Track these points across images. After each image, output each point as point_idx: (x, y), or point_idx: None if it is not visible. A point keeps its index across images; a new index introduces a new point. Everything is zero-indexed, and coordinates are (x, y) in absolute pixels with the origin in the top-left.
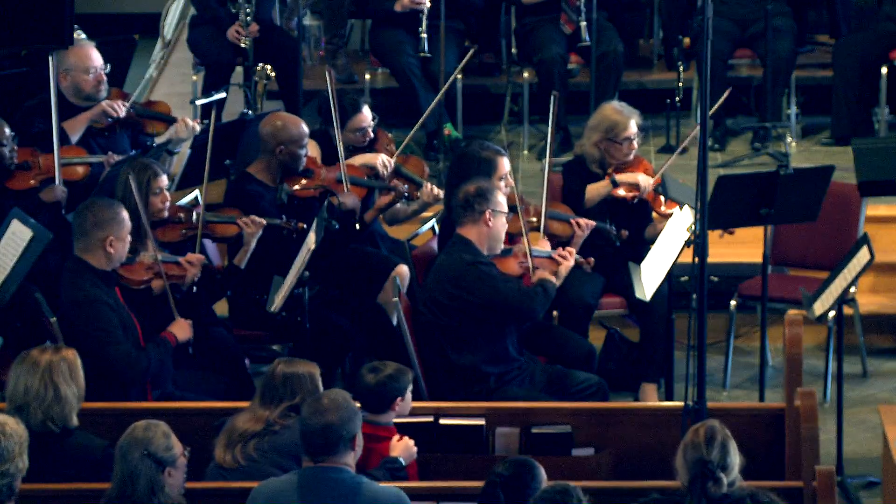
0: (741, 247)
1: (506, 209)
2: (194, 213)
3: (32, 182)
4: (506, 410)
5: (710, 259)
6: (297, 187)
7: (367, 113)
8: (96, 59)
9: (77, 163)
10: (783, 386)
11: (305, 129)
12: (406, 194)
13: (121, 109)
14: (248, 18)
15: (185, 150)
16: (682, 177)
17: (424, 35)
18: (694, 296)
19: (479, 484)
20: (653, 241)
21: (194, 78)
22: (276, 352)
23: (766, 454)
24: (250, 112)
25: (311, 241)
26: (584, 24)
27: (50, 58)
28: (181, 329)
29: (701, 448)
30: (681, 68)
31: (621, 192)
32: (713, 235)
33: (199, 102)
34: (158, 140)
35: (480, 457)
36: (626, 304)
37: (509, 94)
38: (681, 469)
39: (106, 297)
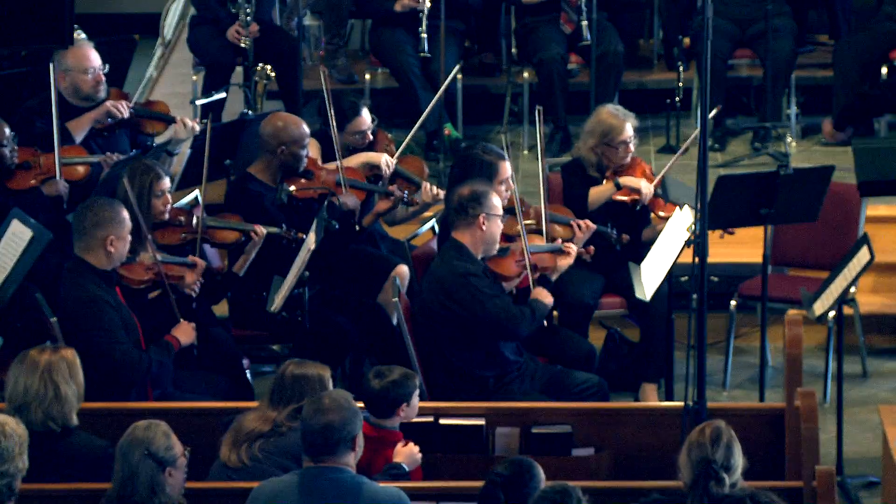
0: (741, 247)
1: (500, 212)
2: (194, 217)
3: (33, 182)
4: (506, 410)
5: (710, 259)
6: (297, 188)
7: (366, 116)
8: (95, 59)
9: (77, 162)
10: (783, 386)
11: (307, 129)
12: (405, 199)
13: (125, 110)
14: (248, 18)
15: (185, 150)
16: (682, 177)
17: (424, 35)
18: (694, 296)
19: (479, 484)
20: (650, 243)
21: (194, 78)
22: (275, 352)
23: (766, 454)
24: (250, 112)
25: (311, 241)
26: (584, 23)
27: (52, 64)
28: (184, 333)
29: (706, 447)
30: (681, 68)
31: (621, 196)
32: (713, 236)
33: (199, 102)
34: (158, 140)
35: (480, 457)
36: (626, 304)
37: (509, 94)
38: (684, 467)
39: (107, 297)
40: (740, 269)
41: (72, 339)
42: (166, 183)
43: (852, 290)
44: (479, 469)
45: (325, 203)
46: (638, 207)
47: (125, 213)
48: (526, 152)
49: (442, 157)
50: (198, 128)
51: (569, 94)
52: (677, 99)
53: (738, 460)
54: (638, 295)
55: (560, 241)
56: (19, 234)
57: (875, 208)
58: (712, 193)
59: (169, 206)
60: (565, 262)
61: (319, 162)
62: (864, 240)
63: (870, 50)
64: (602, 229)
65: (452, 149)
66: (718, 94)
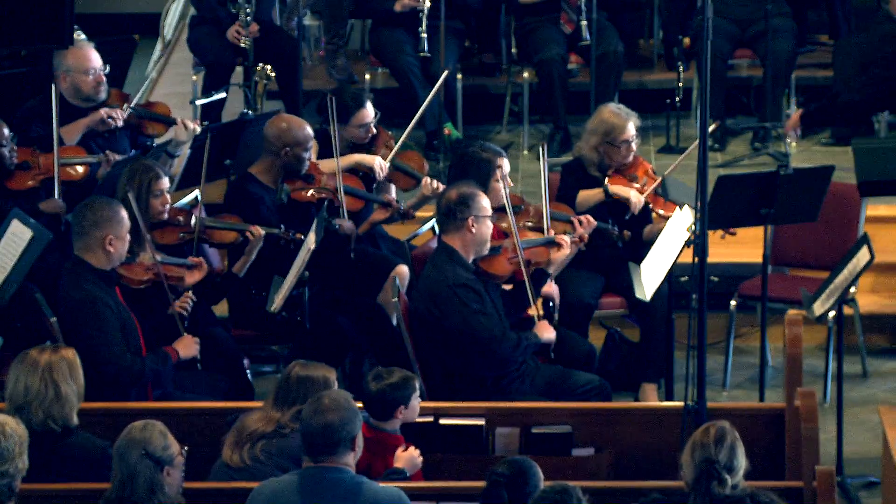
0: (741, 247)
1: (489, 213)
2: (193, 217)
3: (32, 182)
4: (506, 410)
5: (710, 259)
6: (297, 191)
7: (370, 109)
8: (95, 59)
9: (76, 163)
10: (783, 386)
11: (310, 131)
12: (401, 211)
13: (119, 118)
14: (248, 18)
15: (185, 151)
16: (682, 177)
17: (424, 35)
18: (694, 296)
19: (479, 484)
20: (651, 241)
21: (194, 78)
22: (275, 352)
23: (766, 454)
24: (250, 112)
25: (311, 241)
26: (584, 23)
27: (54, 73)
28: (185, 346)
29: (709, 448)
30: (681, 68)
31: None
32: (713, 236)
33: (199, 102)
34: (158, 141)
35: (480, 457)
36: (626, 304)
37: (509, 94)
38: (686, 466)
39: (106, 297)
40: (740, 269)
41: (71, 339)
42: (165, 182)
43: (852, 290)
44: (479, 469)
45: (325, 203)
46: (627, 217)
47: (124, 213)
48: (526, 152)
49: (442, 157)
50: (198, 129)
51: (569, 94)
52: (677, 99)
53: (741, 461)
54: (638, 295)
55: (552, 232)
56: (19, 234)
57: (875, 208)
58: (712, 193)
59: (168, 206)
60: (560, 254)
61: (316, 162)
62: (864, 240)
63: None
64: (603, 226)
65: (453, 149)
66: (718, 94)
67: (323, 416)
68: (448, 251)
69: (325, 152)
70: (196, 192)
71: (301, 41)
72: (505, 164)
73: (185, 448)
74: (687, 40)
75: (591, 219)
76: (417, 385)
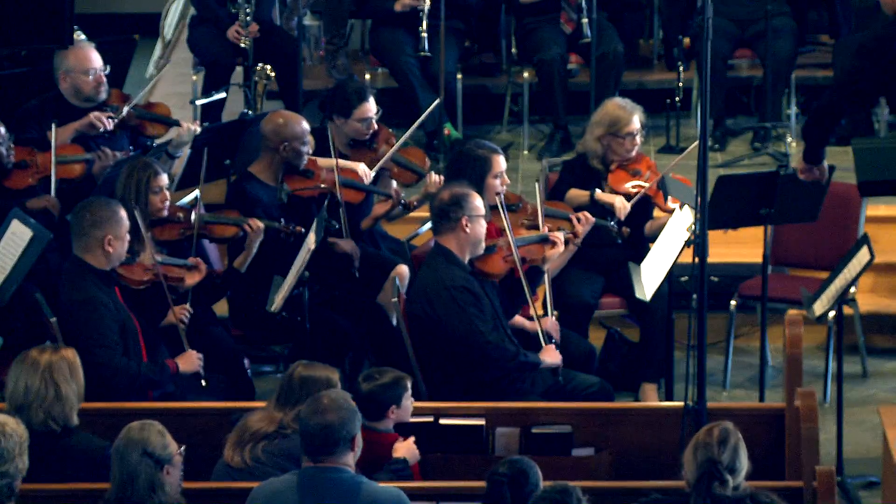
0: (741, 247)
1: (483, 212)
2: (193, 213)
3: (30, 181)
4: (506, 410)
5: (710, 259)
6: (296, 187)
7: (372, 104)
8: (95, 60)
9: (73, 160)
10: (783, 386)
11: (307, 126)
12: (403, 202)
13: (108, 123)
14: (248, 18)
15: (185, 151)
16: (681, 176)
17: (425, 34)
18: (694, 296)
19: (479, 484)
20: (652, 237)
21: (194, 78)
22: (276, 352)
23: (766, 454)
24: (250, 112)
25: (311, 241)
26: (584, 20)
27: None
28: (187, 361)
29: (713, 448)
30: (681, 68)
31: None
32: (714, 234)
33: (199, 102)
34: (158, 142)
35: (480, 457)
36: (626, 304)
37: (509, 94)
38: (688, 466)
39: (105, 298)
40: (740, 269)
41: (71, 339)
42: (164, 179)
43: (852, 290)
44: (479, 469)
45: (325, 203)
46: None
47: (123, 213)
48: (526, 152)
49: (442, 157)
50: (198, 129)
51: (569, 94)
52: (677, 99)
53: (744, 463)
54: (638, 295)
55: (546, 229)
56: (19, 234)
57: (875, 208)
58: (712, 193)
59: (167, 203)
60: (554, 251)
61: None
62: (864, 240)
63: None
64: (601, 223)
65: (452, 149)
66: (718, 94)
67: (322, 416)
68: (444, 252)
69: (321, 150)
70: (196, 192)
71: (301, 41)
72: (502, 161)
73: (183, 447)
74: (687, 40)
75: (590, 216)
76: (409, 384)
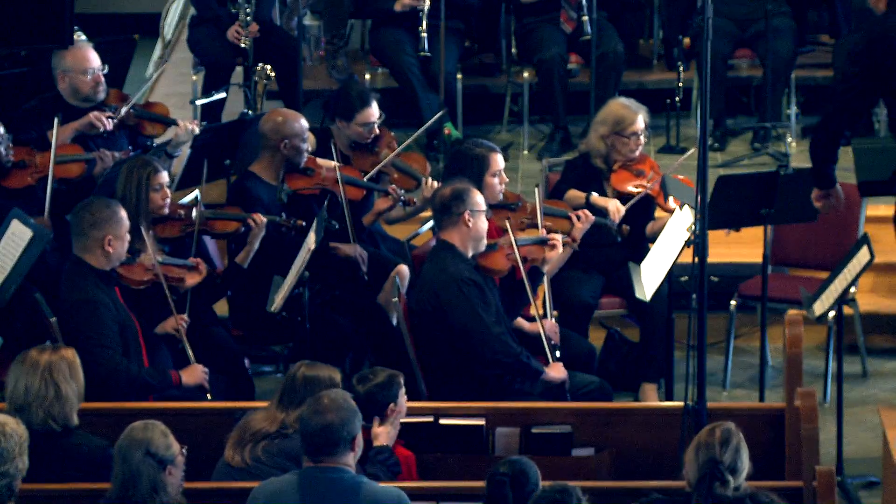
0: (741, 247)
1: (484, 208)
2: (194, 210)
3: (29, 180)
4: (506, 410)
5: (710, 259)
6: (297, 186)
7: (375, 108)
8: (94, 60)
9: (72, 160)
10: (783, 386)
11: (306, 123)
12: (403, 199)
13: (108, 123)
14: (248, 18)
15: (185, 151)
16: (681, 176)
17: (424, 34)
18: (694, 296)
19: (479, 484)
20: (654, 238)
21: (194, 78)
22: (276, 352)
23: (766, 454)
24: (250, 112)
25: (311, 241)
26: (585, 17)
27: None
28: (191, 375)
29: (714, 448)
30: (681, 68)
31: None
32: (714, 234)
33: (199, 102)
34: (158, 142)
35: (480, 457)
36: (626, 304)
37: (509, 94)
38: (689, 465)
39: (105, 299)
40: (740, 269)
41: (71, 339)
42: (164, 177)
43: (852, 290)
44: (479, 469)
45: (325, 202)
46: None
47: (123, 213)
48: (526, 152)
49: (442, 157)
50: (197, 129)
51: (569, 94)
52: (677, 99)
53: (745, 463)
54: (638, 295)
55: (544, 231)
56: (19, 234)
57: (875, 208)
58: (712, 193)
59: (168, 201)
60: (553, 254)
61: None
62: (864, 240)
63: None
64: (601, 221)
65: (452, 149)
66: (718, 94)
67: (322, 416)
68: (448, 247)
69: (322, 151)
70: (196, 192)
71: (301, 41)
72: (499, 160)
73: (185, 447)
74: (687, 40)
75: (590, 214)
76: (401, 381)
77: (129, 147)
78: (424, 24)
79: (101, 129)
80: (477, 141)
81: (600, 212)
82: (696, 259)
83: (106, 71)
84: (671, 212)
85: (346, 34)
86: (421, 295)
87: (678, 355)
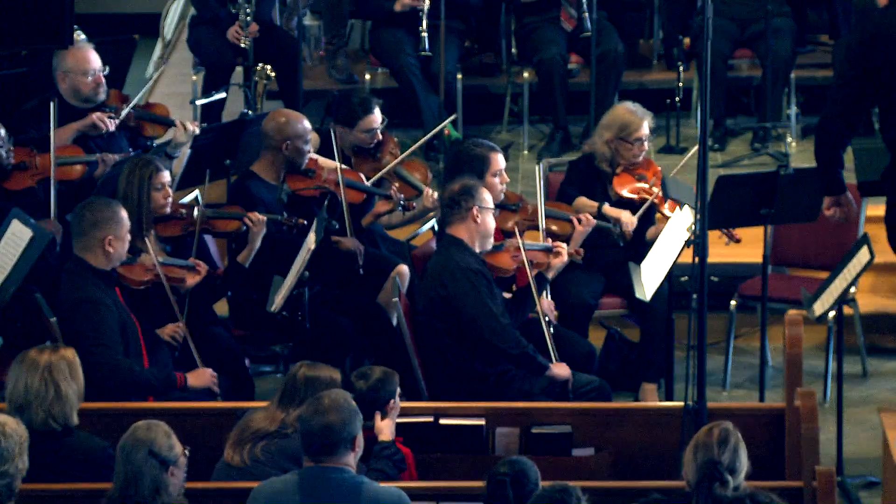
0: (741, 247)
1: (492, 205)
2: (195, 210)
3: (30, 182)
4: (506, 410)
5: (710, 259)
6: (297, 187)
7: (377, 115)
8: (94, 61)
9: (73, 162)
10: (783, 386)
11: (308, 124)
12: (403, 203)
13: (110, 124)
14: (248, 18)
15: (185, 151)
16: (682, 177)
17: (425, 34)
18: (694, 296)
19: (479, 484)
20: (653, 243)
21: (194, 78)
22: (276, 352)
23: (766, 454)
24: (250, 112)
25: (311, 241)
26: (585, 14)
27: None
28: (199, 378)
29: (713, 449)
30: (681, 68)
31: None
32: (715, 234)
33: (199, 102)
34: (157, 142)
35: (480, 457)
36: (626, 304)
37: (509, 94)
38: (688, 466)
39: (105, 299)
40: (740, 269)
41: (71, 339)
42: (166, 176)
43: (852, 290)
44: (479, 469)
45: (326, 201)
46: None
47: (123, 213)
48: (526, 152)
49: (442, 158)
50: (197, 130)
51: (569, 93)
52: (677, 99)
53: (744, 463)
54: (638, 295)
55: (549, 240)
56: (19, 234)
57: (875, 208)
58: (712, 193)
59: (170, 200)
60: (558, 262)
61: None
62: (864, 240)
63: None
64: (603, 225)
65: (452, 149)
66: (718, 94)
67: (323, 416)
68: (455, 242)
69: (324, 151)
70: (196, 192)
71: (301, 41)
72: (500, 159)
73: (188, 448)
74: (687, 40)
75: (591, 217)
76: (398, 379)
77: (129, 149)
78: (424, 23)
79: (104, 130)
80: (477, 141)
81: (607, 219)
82: (696, 259)
83: (107, 72)
84: (668, 218)
85: (346, 34)
86: (428, 286)
87: (678, 355)
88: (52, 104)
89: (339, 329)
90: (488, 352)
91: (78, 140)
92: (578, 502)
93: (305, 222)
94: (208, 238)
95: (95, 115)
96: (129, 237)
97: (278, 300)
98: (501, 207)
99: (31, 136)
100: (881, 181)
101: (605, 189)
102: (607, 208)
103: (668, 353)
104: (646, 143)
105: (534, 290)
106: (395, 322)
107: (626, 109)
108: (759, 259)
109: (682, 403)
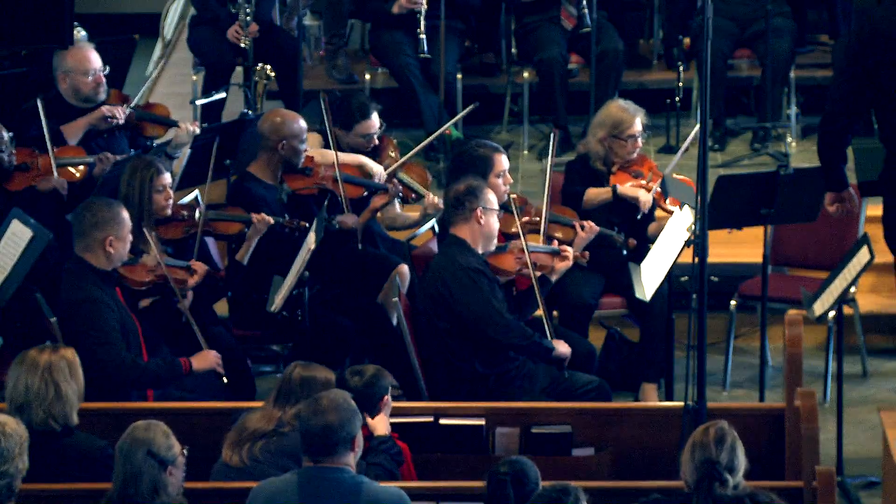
0: (741, 247)
1: (496, 206)
2: (197, 211)
3: (31, 183)
4: (506, 410)
5: (710, 259)
6: (296, 186)
7: (375, 120)
8: (95, 60)
9: (74, 163)
10: (783, 386)
11: (304, 123)
12: (400, 195)
13: (120, 115)
14: (248, 18)
15: (184, 152)
16: (679, 175)
17: (423, 36)
18: (694, 296)
19: (479, 484)
20: (655, 239)
21: (194, 78)
22: (276, 352)
23: (766, 454)
24: (250, 112)
25: (311, 241)
26: (584, 10)
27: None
28: (203, 359)
29: (710, 448)
30: (681, 68)
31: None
32: (715, 234)
33: (199, 102)
34: (157, 142)
35: (480, 457)
36: (626, 304)
37: (509, 95)
38: (686, 467)
39: (106, 298)
40: (740, 269)
41: (71, 339)
42: (167, 178)
43: (852, 290)
44: (479, 469)
45: (326, 202)
46: (638, 217)
47: (125, 214)
48: (526, 152)
49: (442, 158)
50: (198, 130)
51: (569, 93)
52: (677, 99)
53: (741, 461)
54: (638, 295)
55: (556, 243)
56: (19, 234)
57: (875, 208)
58: (712, 193)
59: (171, 202)
60: (563, 265)
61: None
62: (864, 240)
63: None
64: (607, 233)
65: (453, 149)
66: (718, 94)
67: (322, 417)
68: (458, 242)
69: (326, 145)
70: (196, 192)
71: (301, 41)
72: (504, 160)
73: (186, 448)
74: (687, 40)
75: (594, 225)
76: (389, 377)
77: (130, 149)
78: (422, 25)
79: (114, 122)
80: (481, 142)
81: (606, 224)
82: (696, 259)
83: (107, 71)
84: (670, 212)
85: (346, 34)
86: (429, 286)
87: (678, 355)
88: (38, 102)
89: (339, 329)
90: (493, 350)
91: (80, 140)
92: (578, 502)
93: (307, 225)
94: (209, 240)
95: (105, 108)
96: (130, 238)
97: (278, 300)
98: (504, 209)
99: (35, 133)
100: (880, 181)
101: (602, 188)
102: (622, 188)
103: (668, 353)
104: (639, 140)
105: (537, 292)
106: (395, 322)
107: (618, 107)
108: (759, 259)
109: (682, 403)
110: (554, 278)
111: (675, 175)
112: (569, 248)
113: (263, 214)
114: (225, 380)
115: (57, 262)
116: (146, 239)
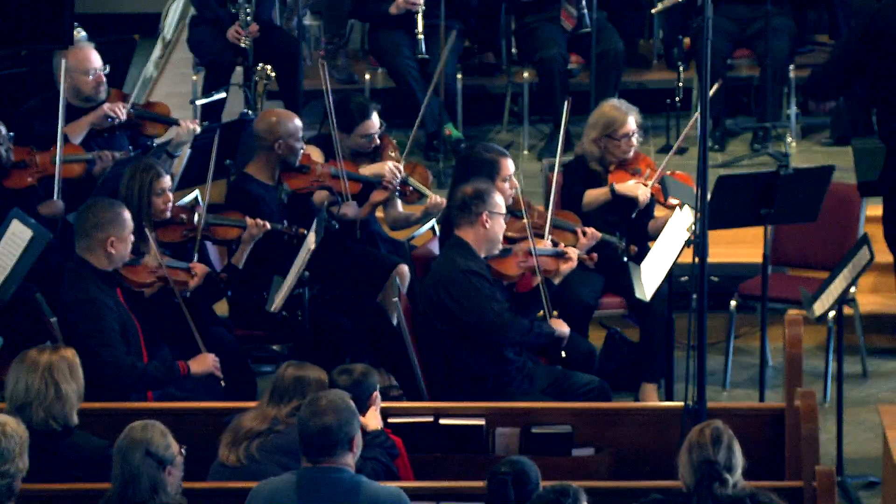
0: (741, 247)
1: (503, 211)
2: (196, 215)
3: (30, 180)
4: (506, 410)
5: (710, 259)
6: (295, 185)
7: (375, 120)
8: (95, 60)
9: (73, 160)
10: (783, 386)
11: (299, 122)
12: (399, 189)
13: (122, 113)
14: (248, 18)
15: (185, 151)
16: (682, 174)
17: (421, 37)
18: (694, 296)
19: (478, 484)
20: (655, 236)
21: (194, 78)
22: (276, 352)
23: (766, 454)
24: (250, 112)
25: (311, 241)
26: (584, 10)
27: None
28: (201, 363)
29: (707, 449)
30: (681, 68)
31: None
32: (714, 233)
33: (199, 102)
34: (158, 142)
35: (480, 457)
36: (626, 304)
37: (509, 94)
38: (684, 468)
39: (107, 299)
40: (740, 269)
41: (71, 339)
42: (167, 181)
43: (852, 290)
44: (479, 469)
45: (326, 203)
46: (633, 215)
47: (126, 215)
48: (526, 152)
49: (442, 158)
50: (198, 129)
51: (569, 93)
52: (677, 99)
53: (739, 460)
54: (638, 295)
55: (562, 245)
56: (19, 234)
57: (875, 208)
58: (712, 193)
59: (170, 205)
60: (567, 267)
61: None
62: (864, 240)
63: None
64: (609, 239)
65: (453, 149)
66: (718, 94)
67: (321, 417)
68: (461, 244)
69: (326, 155)
70: (196, 193)
71: (301, 41)
72: (510, 164)
73: (184, 447)
74: (687, 40)
75: (596, 231)
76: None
77: (130, 147)
78: (420, 26)
79: (117, 120)
80: (487, 145)
81: (609, 230)
82: (696, 259)
83: (107, 71)
84: (671, 209)
85: (345, 34)
86: (429, 287)
87: (678, 355)
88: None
89: (339, 329)
90: (492, 351)
91: (81, 140)
92: (578, 502)
93: (306, 232)
94: (208, 242)
95: (107, 106)
96: (131, 238)
97: (278, 300)
98: (511, 214)
99: (39, 132)
100: (880, 181)
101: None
102: (619, 186)
103: (668, 353)
104: (634, 139)
105: (543, 295)
106: (395, 322)
107: (611, 106)
108: (759, 259)
109: (682, 403)
110: (557, 280)
111: (673, 175)
112: (573, 249)
113: (259, 220)
114: (223, 383)
115: (57, 263)
116: (147, 241)
